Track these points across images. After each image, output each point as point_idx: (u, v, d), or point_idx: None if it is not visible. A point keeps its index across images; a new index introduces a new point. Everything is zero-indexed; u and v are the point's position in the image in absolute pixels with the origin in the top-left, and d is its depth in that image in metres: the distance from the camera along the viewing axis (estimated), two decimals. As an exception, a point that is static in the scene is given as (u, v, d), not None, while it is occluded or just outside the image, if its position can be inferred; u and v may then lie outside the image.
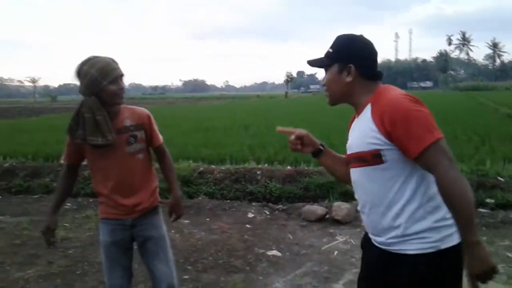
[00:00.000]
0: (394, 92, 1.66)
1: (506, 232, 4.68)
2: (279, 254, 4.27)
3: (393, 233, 1.65)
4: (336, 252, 4.27)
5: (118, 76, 2.21)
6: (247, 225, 5.15)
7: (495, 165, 6.83)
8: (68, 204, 6.18)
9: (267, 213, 5.63)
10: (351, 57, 1.73)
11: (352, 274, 3.77)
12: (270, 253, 4.29)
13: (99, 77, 2.14)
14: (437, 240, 1.60)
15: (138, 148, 2.34)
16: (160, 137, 2.48)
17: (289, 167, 7.15)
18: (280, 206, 5.87)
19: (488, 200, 5.45)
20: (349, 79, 1.72)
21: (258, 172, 6.73)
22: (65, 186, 2.44)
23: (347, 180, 1.94)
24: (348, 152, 1.81)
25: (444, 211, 1.59)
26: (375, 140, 1.61)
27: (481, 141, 9.24)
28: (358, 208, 1.85)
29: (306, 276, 3.77)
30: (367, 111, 1.68)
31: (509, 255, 4.03)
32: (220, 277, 3.75)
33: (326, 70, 1.81)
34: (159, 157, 2.54)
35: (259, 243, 4.55)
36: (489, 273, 1.52)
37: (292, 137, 1.95)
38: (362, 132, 1.68)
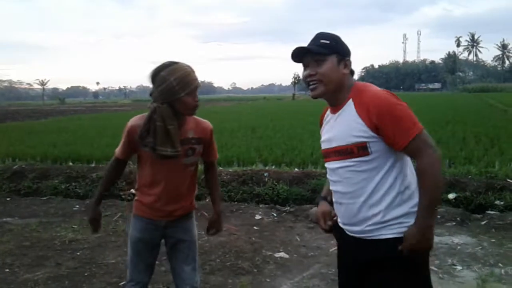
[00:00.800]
0: (374, 88, 1.80)
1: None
2: (286, 256, 4.26)
3: (372, 221, 1.77)
4: (344, 255, 4.25)
5: (195, 88, 2.15)
6: (255, 227, 5.14)
7: (504, 167, 6.78)
8: (76, 206, 6.22)
9: (275, 215, 5.62)
10: (346, 51, 1.85)
11: (360, 276, 3.75)
12: (277, 255, 4.28)
13: (177, 87, 2.07)
14: (412, 224, 1.74)
15: (194, 161, 2.34)
16: (217, 153, 2.49)
17: (296, 169, 7.14)
18: (287, 208, 5.86)
19: (497, 202, 5.41)
20: (346, 71, 1.82)
21: (266, 174, 6.73)
22: (110, 179, 2.44)
23: None
24: (327, 146, 1.90)
25: (416, 200, 1.76)
26: (361, 132, 1.72)
27: (490, 142, 9.16)
28: (334, 200, 1.94)
29: (314, 278, 3.75)
30: (349, 106, 1.79)
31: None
32: (227, 279, 3.75)
33: (319, 61, 1.80)
34: (208, 170, 2.54)
35: (267, 245, 4.54)
36: (425, 252, 1.77)
37: (330, 222, 2.05)
38: (346, 126, 1.77)
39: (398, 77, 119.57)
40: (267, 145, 9.57)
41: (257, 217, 5.53)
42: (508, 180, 5.97)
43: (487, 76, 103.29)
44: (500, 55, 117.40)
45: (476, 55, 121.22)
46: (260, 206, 6.00)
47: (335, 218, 2.01)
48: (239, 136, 11.54)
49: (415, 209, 1.73)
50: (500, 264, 3.81)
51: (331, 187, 1.96)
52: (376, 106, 1.69)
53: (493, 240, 4.47)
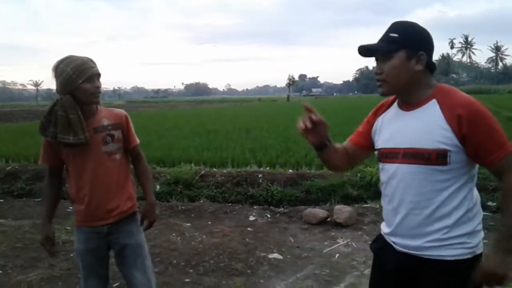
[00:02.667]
0: (463, 93, 1.60)
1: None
2: (280, 257, 4.27)
3: (434, 236, 1.59)
4: (337, 255, 4.27)
5: (94, 75, 2.18)
6: (249, 228, 5.15)
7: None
8: (70, 207, 6.18)
9: (269, 216, 5.63)
10: (422, 44, 1.61)
11: (354, 277, 3.77)
12: (271, 256, 4.29)
13: (74, 75, 2.11)
14: (474, 246, 1.60)
15: (115, 148, 2.31)
16: (137, 138, 2.44)
17: (290, 171, 7.15)
18: (281, 209, 5.87)
19: (489, 203, 5.44)
20: (418, 67, 1.60)
21: (260, 176, 6.74)
22: (52, 194, 2.36)
23: (338, 170, 1.99)
24: (393, 145, 1.69)
25: (480, 219, 1.63)
26: (445, 139, 1.54)
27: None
28: (389, 207, 1.73)
29: (308, 279, 3.77)
30: (432, 107, 1.59)
31: None
32: (221, 280, 3.75)
33: (386, 57, 1.63)
34: (134, 159, 2.48)
35: (261, 246, 4.55)
36: (504, 279, 1.54)
37: (314, 117, 1.76)
38: (427, 128, 1.57)
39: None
40: (262, 146, 9.57)
41: (251, 218, 5.54)
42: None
43: (481, 78, 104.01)
44: (494, 57, 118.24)
45: (469, 57, 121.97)
46: (254, 207, 6.01)
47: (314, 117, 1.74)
48: (233, 138, 11.53)
49: (477, 228, 1.61)
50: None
51: (385, 191, 1.76)
52: (471, 113, 1.51)
53: (486, 241, 4.50)
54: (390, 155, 1.69)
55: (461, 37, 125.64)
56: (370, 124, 1.86)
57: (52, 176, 2.35)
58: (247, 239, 4.77)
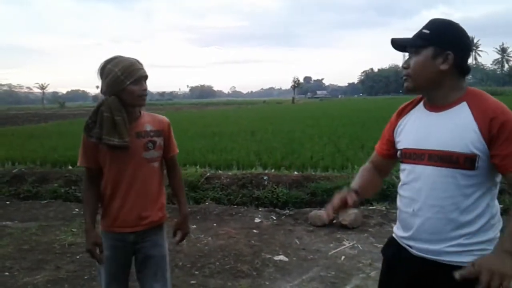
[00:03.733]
0: (495, 98, 1.57)
1: None
2: (286, 259, 4.26)
3: (456, 241, 1.56)
4: (343, 257, 4.26)
5: (141, 77, 2.14)
6: (254, 230, 5.14)
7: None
8: (76, 209, 6.22)
9: (274, 218, 5.62)
10: (451, 44, 1.56)
11: (359, 279, 3.76)
12: (277, 258, 4.28)
13: (122, 76, 2.08)
14: None
15: (156, 155, 2.25)
16: (176, 147, 2.39)
17: (295, 173, 7.15)
18: (287, 211, 5.86)
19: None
20: (444, 67, 1.56)
21: (265, 178, 6.73)
22: (93, 198, 2.26)
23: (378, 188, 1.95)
24: (418, 145, 1.65)
25: (500, 226, 1.60)
26: (476, 143, 1.50)
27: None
28: (408, 209, 1.68)
29: (313, 281, 3.76)
30: (462, 109, 1.56)
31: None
32: (227, 282, 3.75)
33: (414, 52, 1.62)
34: (170, 168, 2.41)
35: (266, 248, 4.54)
36: (507, 280, 1.48)
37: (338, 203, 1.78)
38: (457, 131, 1.54)
39: (398, 80, 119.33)
40: (267, 148, 9.58)
41: (257, 220, 5.54)
42: (504, 183, 5.95)
43: (487, 80, 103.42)
44: (500, 59, 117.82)
45: (475, 58, 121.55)
46: (260, 209, 6.00)
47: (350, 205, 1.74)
48: (238, 140, 11.55)
49: (497, 236, 1.59)
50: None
51: (406, 193, 1.70)
52: (502, 118, 1.48)
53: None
54: (414, 156, 1.66)
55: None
56: (393, 126, 1.82)
57: (91, 179, 2.26)
58: (253, 241, 4.76)
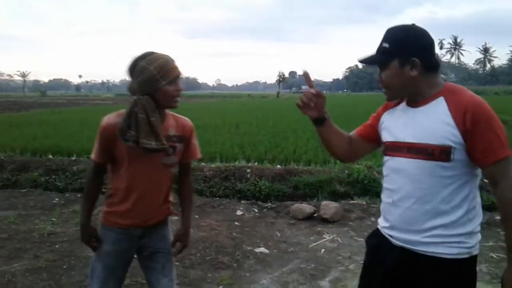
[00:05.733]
0: (471, 92, 1.61)
1: (490, 233, 4.75)
2: (266, 251, 4.29)
3: (434, 232, 1.60)
4: (323, 250, 4.31)
5: (177, 77, 2.01)
6: (236, 223, 5.16)
7: (482, 168, 6.89)
8: (56, 199, 6.15)
9: (256, 211, 5.65)
10: (413, 50, 1.61)
11: (339, 271, 3.81)
12: (258, 250, 4.31)
13: (157, 75, 1.94)
14: (471, 246, 1.61)
15: (174, 161, 2.16)
16: (198, 152, 2.27)
17: (278, 166, 7.18)
18: (269, 204, 5.89)
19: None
20: (414, 73, 1.61)
21: (248, 171, 6.74)
22: (95, 192, 2.18)
23: (342, 157, 1.99)
24: (396, 139, 1.71)
25: (479, 220, 1.64)
26: (450, 136, 1.54)
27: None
28: (389, 200, 1.73)
29: (293, 273, 3.79)
30: (439, 104, 1.60)
31: (493, 255, 4.09)
32: (207, 273, 3.77)
33: (382, 67, 1.68)
34: (183, 173, 2.29)
35: (247, 241, 4.57)
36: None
37: (312, 91, 1.81)
38: (433, 124, 1.58)
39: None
40: (251, 142, 9.59)
41: (239, 212, 5.56)
42: (484, 180, 6.08)
43: (468, 79, 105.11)
44: (482, 58, 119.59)
45: (458, 57, 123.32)
46: (242, 202, 6.02)
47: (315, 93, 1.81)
48: (222, 133, 11.53)
49: (476, 230, 1.61)
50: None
51: (387, 185, 1.76)
52: (475, 111, 1.52)
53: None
54: (395, 148, 1.71)
55: (450, 38, 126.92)
56: (378, 118, 1.87)
57: (97, 173, 2.16)
58: (234, 233, 4.78)
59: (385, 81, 1.68)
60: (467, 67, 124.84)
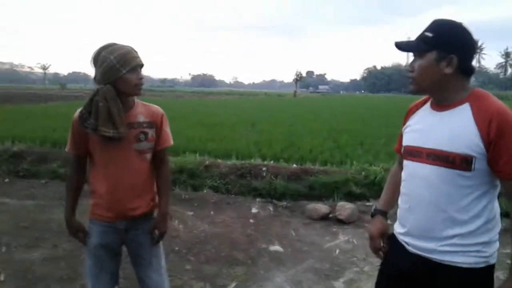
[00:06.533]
0: (499, 101, 1.55)
1: (507, 240, 4.67)
2: (281, 249, 4.30)
3: (451, 241, 1.57)
4: (337, 251, 4.30)
5: (138, 65, 2.07)
6: (251, 220, 5.18)
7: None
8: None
9: (271, 209, 5.66)
10: (455, 47, 1.55)
11: (353, 272, 3.80)
12: (272, 248, 4.32)
13: (117, 65, 2.00)
14: (489, 255, 1.59)
15: (147, 147, 2.18)
16: (170, 139, 2.30)
17: (294, 165, 7.17)
18: (284, 203, 5.89)
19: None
20: (448, 70, 1.55)
21: (264, 169, 6.75)
22: (77, 184, 2.23)
23: None
24: (418, 143, 1.66)
25: (498, 229, 1.61)
26: (473, 145, 1.50)
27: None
28: (405, 205, 1.71)
29: (307, 272, 3.80)
30: (464, 110, 1.55)
31: (510, 262, 4.03)
32: (222, 269, 3.79)
33: (418, 55, 1.62)
34: (159, 161, 2.28)
35: (262, 238, 4.58)
36: None
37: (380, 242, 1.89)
38: (456, 131, 1.53)
39: (400, 80, 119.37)
40: (267, 140, 9.60)
41: (254, 210, 5.57)
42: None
43: (489, 83, 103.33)
44: (503, 63, 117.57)
45: (479, 61, 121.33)
46: (257, 199, 6.03)
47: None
48: (239, 130, 11.57)
49: (493, 239, 1.59)
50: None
51: (405, 190, 1.73)
52: (501, 121, 1.47)
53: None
54: (415, 153, 1.67)
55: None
56: (403, 124, 1.84)
57: (77, 165, 2.22)
58: (249, 231, 4.80)
59: (416, 71, 1.61)
60: (488, 71, 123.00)
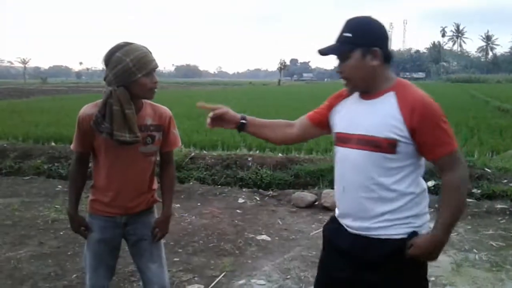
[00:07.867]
0: (420, 90, 1.69)
1: (490, 221, 4.79)
2: (268, 238, 4.34)
3: (383, 217, 1.69)
4: (324, 238, 4.34)
5: (153, 69, 2.02)
6: (238, 210, 5.21)
7: (483, 156, 6.95)
8: (59, 186, 6.20)
9: (258, 199, 5.70)
10: (375, 40, 1.67)
11: (339, 259, 3.85)
12: (259, 237, 4.36)
13: (133, 68, 1.94)
14: (419, 226, 1.72)
15: (153, 149, 2.17)
16: (178, 141, 2.28)
17: (280, 155, 7.22)
18: (270, 192, 5.94)
19: (474, 191, 5.56)
20: (375, 62, 1.66)
21: (249, 159, 6.78)
22: (80, 181, 2.23)
23: (280, 142, 2.13)
24: (348, 130, 1.76)
25: (426, 203, 1.76)
26: (397, 130, 1.62)
27: (470, 133, 9.37)
28: (340, 187, 1.82)
29: (294, 260, 3.84)
30: (389, 98, 1.67)
31: (493, 243, 4.13)
32: (210, 260, 3.82)
33: (342, 57, 1.70)
34: (165, 163, 2.30)
35: (249, 228, 4.61)
36: (431, 260, 1.76)
37: (211, 114, 1.95)
38: (382, 118, 1.65)
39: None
40: (252, 130, 9.60)
41: (240, 200, 5.60)
42: (486, 169, 6.13)
43: (471, 67, 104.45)
44: (484, 46, 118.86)
45: (460, 45, 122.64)
46: (243, 190, 6.06)
47: (216, 112, 1.98)
48: (224, 120, 11.54)
49: (422, 212, 1.73)
50: (474, 250, 3.92)
51: (338, 174, 1.83)
52: (423, 109, 1.61)
53: (469, 227, 4.61)
54: (345, 139, 1.77)
55: (453, 25, 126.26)
56: (331, 106, 1.92)
57: (80, 162, 2.21)
58: (236, 221, 4.83)
59: (347, 71, 1.70)
60: (469, 55, 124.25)
